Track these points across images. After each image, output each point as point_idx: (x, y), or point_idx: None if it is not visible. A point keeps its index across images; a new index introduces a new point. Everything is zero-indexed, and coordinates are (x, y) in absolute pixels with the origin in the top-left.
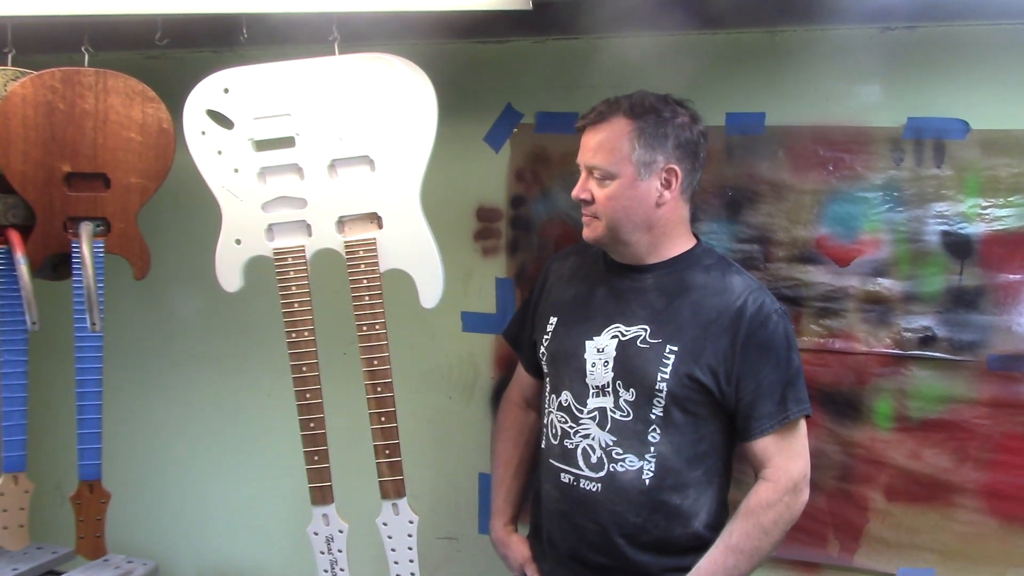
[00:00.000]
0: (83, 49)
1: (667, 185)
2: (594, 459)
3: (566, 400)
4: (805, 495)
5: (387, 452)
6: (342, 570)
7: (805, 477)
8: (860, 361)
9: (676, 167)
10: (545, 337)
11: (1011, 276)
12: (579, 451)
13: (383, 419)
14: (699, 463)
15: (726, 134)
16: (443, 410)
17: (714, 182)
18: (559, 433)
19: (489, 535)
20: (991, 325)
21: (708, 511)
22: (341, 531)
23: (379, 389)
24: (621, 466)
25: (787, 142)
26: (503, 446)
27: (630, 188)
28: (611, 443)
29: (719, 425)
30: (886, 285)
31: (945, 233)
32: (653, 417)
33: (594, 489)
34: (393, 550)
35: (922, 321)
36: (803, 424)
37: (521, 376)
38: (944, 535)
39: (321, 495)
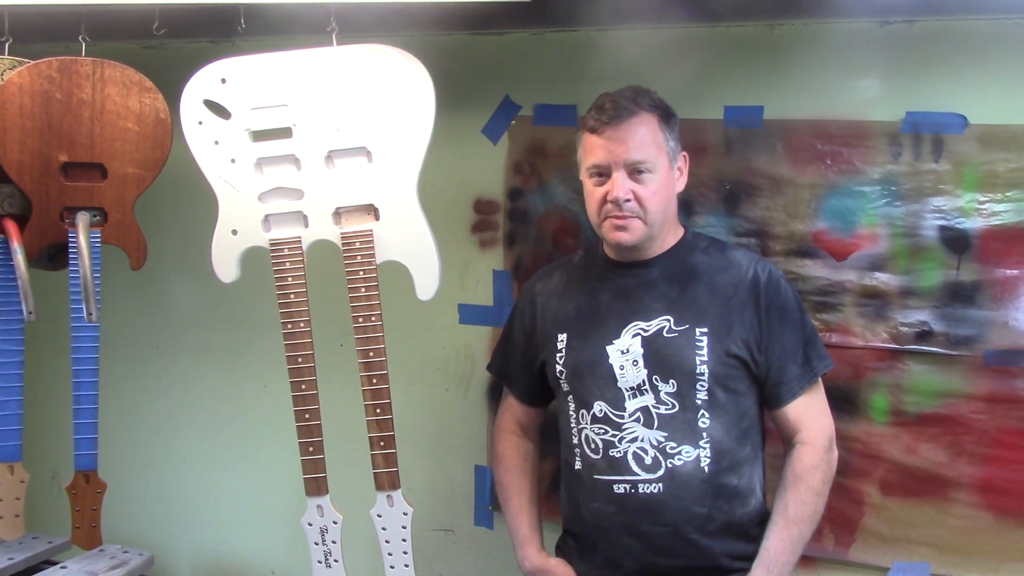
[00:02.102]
0: (80, 38)
1: (681, 172)
2: (648, 460)
3: (600, 411)
4: (836, 451)
5: (382, 444)
6: (336, 561)
7: (834, 432)
8: (856, 355)
9: (686, 154)
10: (559, 355)
11: (1008, 271)
12: (630, 456)
13: (378, 411)
14: (746, 439)
15: (724, 127)
16: (439, 402)
17: (712, 176)
18: (600, 446)
19: (521, 566)
20: (988, 320)
21: (760, 487)
22: (335, 522)
23: (375, 381)
24: (679, 459)
25: (785, 136)
26: (511, 476)
27: (667, 179)
28: (662, 439)
29: (754, 398)
30: (883, 279)
31: (942, 228)
32: (699, 402)
33: (655, 491)
34: (387, 541)
35: (919, 316)
36: (821, 382)
37: (513, 406)
38: (939, 529)
39: (316, 486)
